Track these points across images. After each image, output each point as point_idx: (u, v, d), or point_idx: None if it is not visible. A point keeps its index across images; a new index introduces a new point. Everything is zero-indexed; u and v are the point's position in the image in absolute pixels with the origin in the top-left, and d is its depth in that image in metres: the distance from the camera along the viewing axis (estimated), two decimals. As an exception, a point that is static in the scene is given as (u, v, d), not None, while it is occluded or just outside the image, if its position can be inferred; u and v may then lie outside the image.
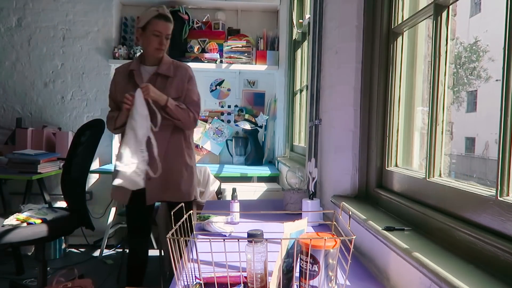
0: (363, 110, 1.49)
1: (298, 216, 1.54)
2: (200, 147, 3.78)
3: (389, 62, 1.38)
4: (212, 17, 3.78)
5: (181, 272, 0.94)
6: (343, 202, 1.15)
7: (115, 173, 1.91)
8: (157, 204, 2.76)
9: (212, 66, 3.59)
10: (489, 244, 0.77)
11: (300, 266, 0.86)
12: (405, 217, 1.14)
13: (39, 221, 2.14)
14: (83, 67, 3.66)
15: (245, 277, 0.93)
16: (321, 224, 1.58)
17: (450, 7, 1.04)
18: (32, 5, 3.61)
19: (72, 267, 2.23)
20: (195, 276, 0.98)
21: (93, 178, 3.65)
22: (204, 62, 3.59)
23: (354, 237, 0.81)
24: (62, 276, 1.93)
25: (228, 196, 2.85)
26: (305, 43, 2.84)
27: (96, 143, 2.45)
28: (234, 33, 3.75)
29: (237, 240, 0.81)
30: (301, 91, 2.97)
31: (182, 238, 0.87)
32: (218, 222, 1.48)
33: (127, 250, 2.22)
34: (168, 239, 0.82)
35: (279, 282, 0.84)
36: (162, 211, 2.72)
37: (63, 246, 3.38)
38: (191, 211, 1.05)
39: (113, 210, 3.36)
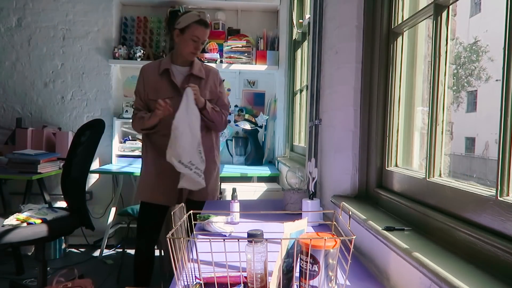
0: (363, 110, 1.49)
1: (298, 216, 1.54)
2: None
3: (389, 62, 1.38)
4: (212, 17, 3.78)
5: (181, 272, 0.94)
6: (343, 202, 1.15)
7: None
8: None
9: (212, 66, 3.59)
10: (489, 244, 0.77)
11: (300, 266, 0.86)
12: (405, 217, 1.14)
13: (39, 221, 2.14)
14: (83, 67, 3.66)
15: (245, 277, 0.93)
16: (321, 224, 1.57)
17: (450, 7, 1.04)
18: (32, 5, 3.61)
19: (72, 267, 2.23)
20: (195, 276, 0.98)
21: (93, 178, 3.65)
22: (204, 62, 3.59)
23: (354, 237, 0.81)
24: (62, 276, 1.93)
25: (228, 196, 2.85)
26: (305, 43, 2.84)
27: (96, 143, 2.46)
28: (234, 33, 3.75)
29: (237, 240, 0.81)
30: (301, 91, 2.97)
31: (182, 238, 0.86)
32: (218, 222, 1.48)
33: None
34: (168, 239, 0.82)
35: (279, 282, 0.84)
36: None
37: (63, 246, 3.38)
38: (191, 211, 1.05)
39: (113, 210, 3.36)
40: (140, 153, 3.56)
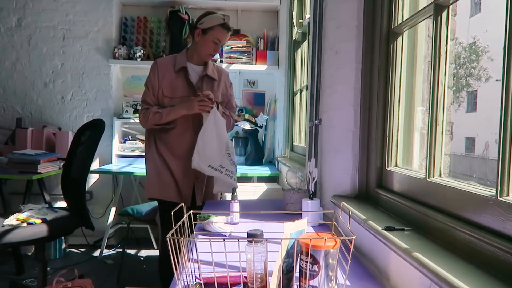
0: (363, 110, 1.49)
1: (298, 216, 1.54)
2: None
3: (389, 62, 1.38)
4: (212, 17, 3.77)
5: (181, 272, 0.94)
6: (343, 202, 1.15)
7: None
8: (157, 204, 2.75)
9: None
10: (489, 244, 0.77)
11: (300, 266, 0.86)
12: (405, 217, 1.14)
13: (39, 221, 2.14)
14: (83, 67, 3.66)
15: (245, 277, 0.93)
16: (321, 224, 1.57)
17: (450, 7, 1.04)
18: (32, 5, 3.61)
19: (72, 267, 2.23)
20: (195, 276, 0.98)
21: (93, 178, 3.65)
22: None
23: (354, 237, 0.81)
24: (62, 276, 1.93)
25: (228, 196, 2.85)
26: (305, 43, 2.84)
27: (96, 143, 2.46)
28: (234, 33, 3.75)
29: (237, 240, 0.81)
30: (301, 91, 2.96)
31: (182, 238, 0.87)
32: (218, 222, 1.48)
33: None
34: (168, 239, 0.82)
35: (279, 282, 0.84)
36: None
37: (63, 246, 3.38)
38: (191, 211, 1.05)
39: (113, 210, 3.36)
40: (140, 153, 3.56)
